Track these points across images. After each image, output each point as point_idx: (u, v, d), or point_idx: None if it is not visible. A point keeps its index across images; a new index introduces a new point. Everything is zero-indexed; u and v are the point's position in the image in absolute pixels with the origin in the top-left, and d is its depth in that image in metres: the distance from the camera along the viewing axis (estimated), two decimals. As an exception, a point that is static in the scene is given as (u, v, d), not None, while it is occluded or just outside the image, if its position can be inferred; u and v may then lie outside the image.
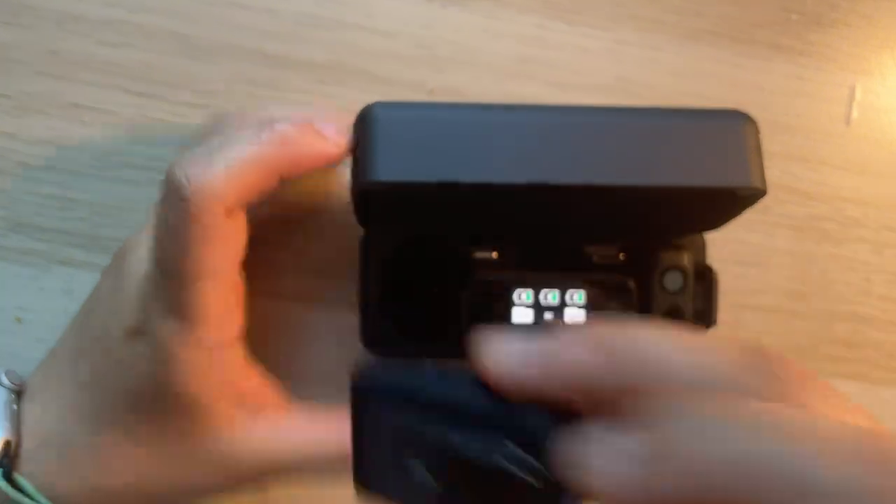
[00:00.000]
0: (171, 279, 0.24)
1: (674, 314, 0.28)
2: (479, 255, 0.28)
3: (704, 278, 0.28)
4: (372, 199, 0.24)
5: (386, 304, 0.30)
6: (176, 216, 0.24)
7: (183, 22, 0.33)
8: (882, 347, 0.36)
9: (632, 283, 0.27)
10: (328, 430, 0.27)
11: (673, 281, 0.28)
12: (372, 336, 0.30)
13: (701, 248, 0.31)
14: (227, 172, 0.23)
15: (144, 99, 0.33)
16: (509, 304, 0.27)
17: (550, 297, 0.27)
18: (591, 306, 0.27)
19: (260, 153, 0.24)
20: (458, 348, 0.30)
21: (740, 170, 0.23)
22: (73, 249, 0.33)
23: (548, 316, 0.27)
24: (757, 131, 0.23)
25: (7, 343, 0.32)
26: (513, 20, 0.35)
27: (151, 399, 0.26)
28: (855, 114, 0.36)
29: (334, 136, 0.24)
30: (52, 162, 0.33)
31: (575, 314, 0.27)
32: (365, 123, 0.23)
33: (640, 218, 0.28)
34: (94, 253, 0.33)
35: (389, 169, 0.22)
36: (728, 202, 0.25)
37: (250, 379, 0.27)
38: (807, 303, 0.35)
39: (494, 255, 0.28)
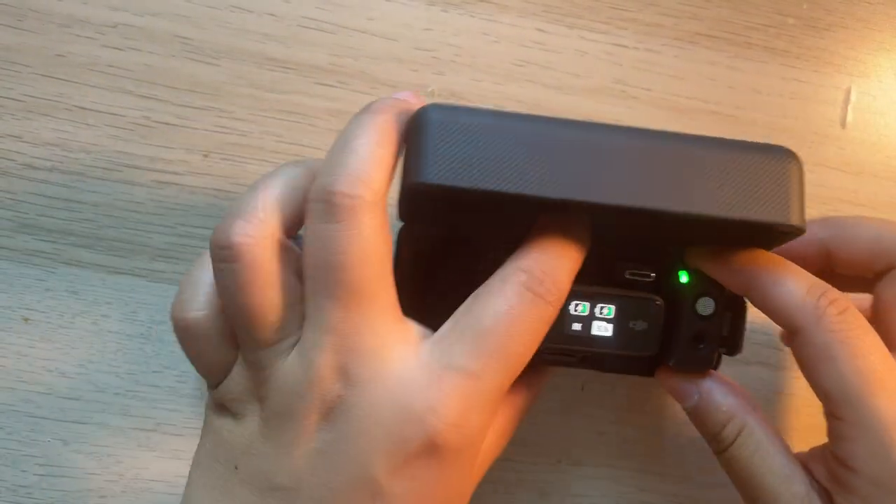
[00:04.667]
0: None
1: (701, 338, 0.28)
2: None
3: (734, 307, 0.29)
4: (417, 198, 0.24)
5: (416, 301, 0.30)
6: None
7: (186, 25, 0.34)
8: (877, 347, 0.36)
9: (660, 302, 0.28)
10: None
11: (705, 306, 0.28)
12: None
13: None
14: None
15: (149, 101, 0.34)
16: None
17: (580, 308, 0.27)
18: (619, 321, 0.28)
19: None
20: None
21: (781, 206, 0.23)
22: (78, 250, 0.33)
23: (576, 326, 0.28)
24: (801, 169, 0.24)
25: (14, 343, 0.33)
26: (512, 24, 0.35)
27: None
28: (850, 116, 0.37)
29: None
30: (58, 164, 0.33)
31: (602, 327, 0.28)
32: (419, 124, 0.23)
33: (677, 241, 0.29)
34: (100, 254, 0.33)
35: (439, 172, 0.22)
36: (764, 236, 0.25)
37: None
38: (802, 303, 0.36)
39: None
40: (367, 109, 0.23)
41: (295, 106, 0.34)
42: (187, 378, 0.33)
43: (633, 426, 0.35)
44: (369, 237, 0.21)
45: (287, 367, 0.22)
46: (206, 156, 0.34)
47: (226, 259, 0.22)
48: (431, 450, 0.21)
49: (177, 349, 0.33)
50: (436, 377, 0.22)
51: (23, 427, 0.33)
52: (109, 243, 0.33)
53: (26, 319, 0.33)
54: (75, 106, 0.33)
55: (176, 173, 0.34)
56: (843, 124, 0.37)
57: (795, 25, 0.37)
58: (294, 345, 0.22)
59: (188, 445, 0.33)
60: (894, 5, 0.37)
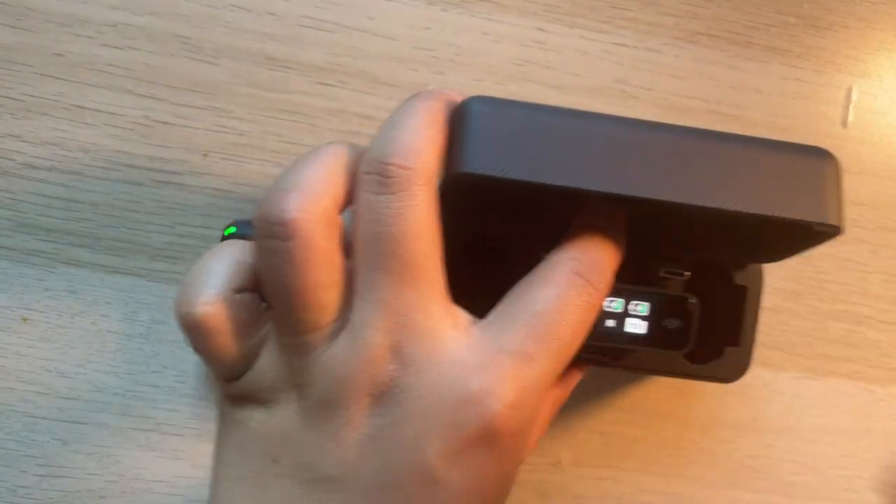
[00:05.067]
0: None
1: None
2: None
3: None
4: (457, 190, 0.24)
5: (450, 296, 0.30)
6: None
7: (186, 24, 0.34)
8: (878, 347, 0.36)
9: (695, 300, 0.28)
10: None
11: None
12: None
13: (759, 277, 0.31)
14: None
15: (148, 100, 0.34)
16: None
17: (615, 304, 0.28)
18: (653, 318, 0.28)
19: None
20: None
21: (819, 206, 0.23)
22: (77, 250, 0.33)
23: (609, 323, 0.28)
24: (839, 170, 0.24)
25: (13, 342, 0.33)
26: (513, 23, 0.35)
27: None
28: (852, 116, 0.37)
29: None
30: (57, 163, 0.33)
31: (636, 324, 0.28)
32: (461, 115, 0.23)
33: (711, 241, 0.29)
34: (99, 253, 0.33)
35: (481, 162, 0.22)
36: (801, 236, 0.25)
37: None
38: (803, 302, 0.36)
39: None
40: (416, 96, 0.23)
41: (294, 105, 0.34)
42: (186, 378, 0.33)
43: (634, 426, 0.35)
44: (423, 210, 0.21)
45: (336, 349, 0.21)
46: (205, 155, 0.34)
47: (278, 236, 0.20)
48: (488, 434, 0.21)
49: (176, 349, 0.33)
50: (489, 360, 0.21)
51: (21, 427, 0.33)
52: (109, 243, 0.33)
53: (25, 319, 0.33)
54: (74, 105, 0.33)
55: (175, 173, 0.34)
56: (845, 124, 0.36)
57: (796, 25, 0.36)
58: (341, 328, 0.22)
59: (188, 445, 0.33)
60: (895, 4, 0.37)
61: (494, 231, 0.30)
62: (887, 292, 0.36)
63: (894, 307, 0.36)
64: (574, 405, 0.35)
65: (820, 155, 0.24)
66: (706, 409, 0.35)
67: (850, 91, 0.37)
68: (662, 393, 0.35)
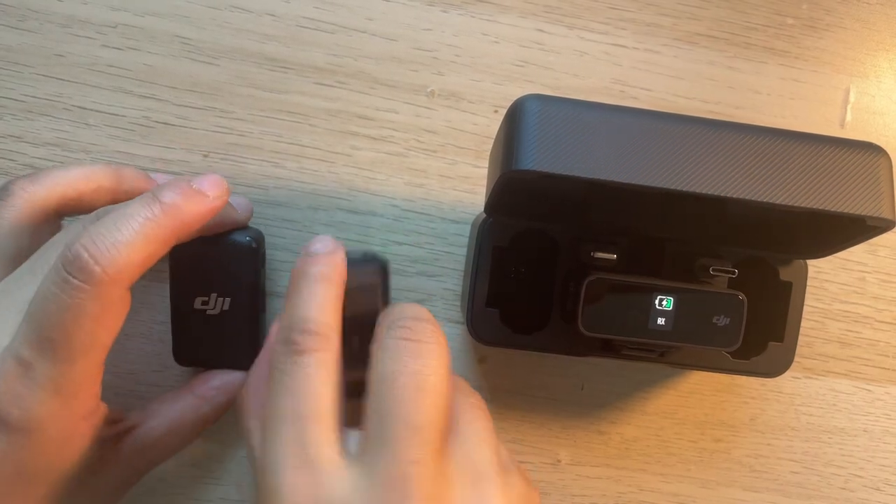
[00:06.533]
0: (56, 359, 0.24)
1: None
2: (599, 255, 0.29)
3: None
4: (511, 187, 0.25)
5: (495, 293, 0.30)
6: (76, 295, 0.23)
7: (186, 25, 0.34)
8: (876, 346, 0.36)
9: (743, 297, 0.28)
10: (184, 403, 0.31)
11: None
12: (478, 322, 0.30)
13: (803, 273, 0.32)
14: (130, 251, 0.24)
15: (149, 101, 0.34)
16: (624, 305, 0.28)
17: (665, 303, 0.28)
18: (703, 316, 0.28)
19: (158, 228, 0.25)
20: (564, 343, 0.30)
21: (873, 200, 0.24)
22: (78, 250, 0.33)
23: (660, 321, 0.28)
24: (891, 165, 0.24)
25: (14, 342, 0.33)
26: (512, 24, 0.35)
27: (12, 481, 0.25)
28: (849, 116, 0.37)
29: (213, 191, 0.27)
30: (59, 164, 0.33)
31: (686, 322, 0.28)
32: (516, 114, 0.23)
33: (761, 237, 0.29)
34: (100, 253, 0.33)
35: (536, 159, 0.23)
36: (853, 231, 0.25)
37: (111, 422, 0.28)
38: (802, 302, 0.36)
39: (614, 256, 0.29)
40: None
41: (294, 106, 0.34)
42: (187, 378, 0.34)
43: (633, 426, 0.35)
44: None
45: None
46: (205, 156, 0.34)
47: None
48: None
49: (177, 349, 0.33)
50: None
51: (23, 426, 0.33)
52: (109, 243, 0.33)
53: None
54: (75, 106, 0.33)
55: (176, 173, 0.34)
56: (843, 124, 0.37)
57: (795, 26, 0.37)
58: None
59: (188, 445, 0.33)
60: (893, 5, 0.37)
61: (545, 226, 0.30)
62: (885, 292, 0.36)
63: (892, 307, 0.36)
64: (573, 405, 0.35)
65: (873, 150, 0.24)
66: (704, 408, 0.36)
67: (847, 91, 0.37)
68: (661, 393, 0.36)
